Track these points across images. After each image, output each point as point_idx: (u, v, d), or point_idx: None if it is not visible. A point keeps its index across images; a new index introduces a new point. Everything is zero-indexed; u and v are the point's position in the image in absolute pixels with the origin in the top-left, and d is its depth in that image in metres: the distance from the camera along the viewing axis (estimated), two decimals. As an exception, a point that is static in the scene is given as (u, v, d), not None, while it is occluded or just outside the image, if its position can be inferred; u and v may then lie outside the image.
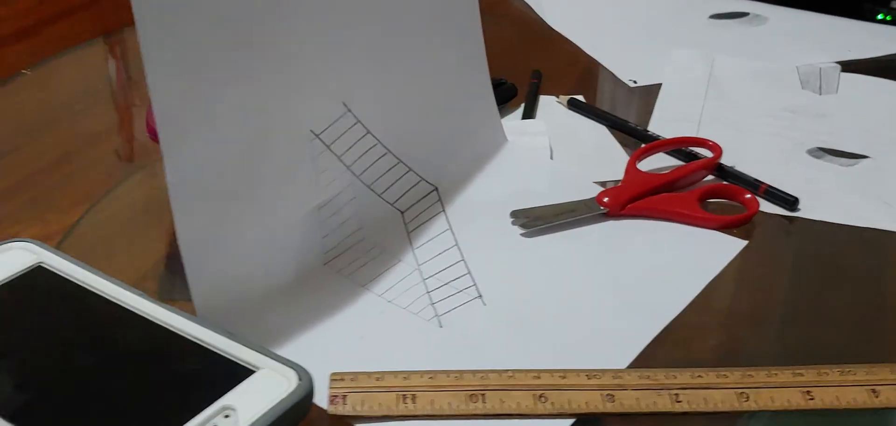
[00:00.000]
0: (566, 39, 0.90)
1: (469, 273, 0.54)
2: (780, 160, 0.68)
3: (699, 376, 0.46)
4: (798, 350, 0.50)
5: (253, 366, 0.43)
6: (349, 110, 0.54)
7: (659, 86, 0.80)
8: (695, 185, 0.64)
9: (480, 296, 0.52)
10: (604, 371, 0.46)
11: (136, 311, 0.47)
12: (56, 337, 0.46)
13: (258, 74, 0.49)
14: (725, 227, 0.59)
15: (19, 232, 0.52)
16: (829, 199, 0.63)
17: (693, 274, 0.55)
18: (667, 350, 0.49)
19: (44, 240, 0.51)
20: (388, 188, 0.57)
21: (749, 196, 0.62)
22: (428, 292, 0.52)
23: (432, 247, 0.56)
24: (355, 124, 0.54)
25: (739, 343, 0.51)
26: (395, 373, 0.46)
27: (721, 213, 0.61)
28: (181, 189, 0.46)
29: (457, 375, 0.46)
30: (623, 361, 0.48)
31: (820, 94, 0.80)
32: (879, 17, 0.95)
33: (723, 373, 0.46)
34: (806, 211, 0.62)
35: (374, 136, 0.55)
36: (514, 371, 0.46)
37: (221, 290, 0.48)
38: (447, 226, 0.58)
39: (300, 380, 0.42)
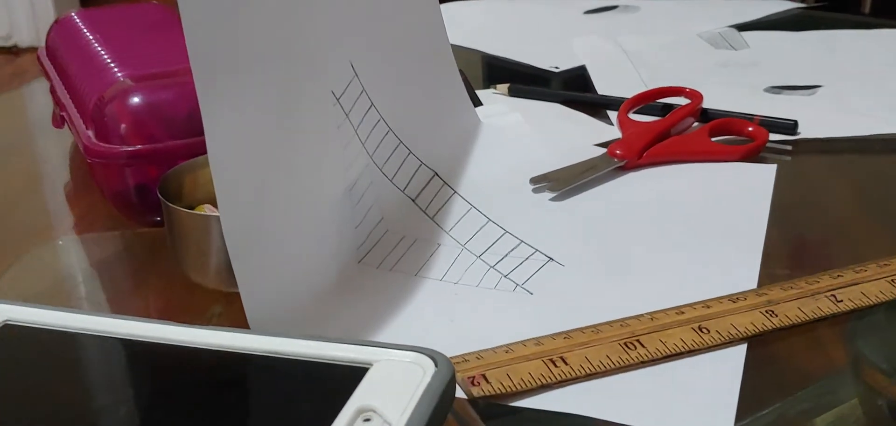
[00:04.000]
0: (469, 49, 0.84)
1: (523, 241, 0.46)
2: (748, 100, 0.65)
3: (839, 275, 0.41)
4: (876, 241, 0.46)
5: (364, 363, 0.33)
6: (356, 75, 0.45)
7: (581, 67, 0.76)
8: (689, 129, 0.59)
9: (552, 258, 0.44)
10: (745, 292, 0.40)
11: (178, 344, 0.34)
12: (104, 401, 0.33)
13: (281, 21, 0.39)
14: (746, 157, 0.55)
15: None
16: (815, 121, 0.61)
17: (751, 201, 0.50)
18: (771, 269, 0.43)
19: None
20: (396, 174, 0.48)
21: (751, 128, 0.58)
22: (492, 267, 0.44)
23: (466, 227, 0.47)
24: (362, 93, 0.45)
25: (826, 248, 0.47)
26: (524, 343, 0.37)
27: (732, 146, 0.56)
28: (222, 163, 0.35)
29: (593, 330, 0.37)
30: (750, 283, 0.41)
31: (736, 50, 0.79)
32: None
33: (859, 268, 0.41)
34: (804, 133, 0.59)
35: (377, 111, 0.47)
36: (652, 312, 0.39)
37: (272, 291, 0.37)
38: (469, 205, 0.49)
39: (436, 363, 0.33)
